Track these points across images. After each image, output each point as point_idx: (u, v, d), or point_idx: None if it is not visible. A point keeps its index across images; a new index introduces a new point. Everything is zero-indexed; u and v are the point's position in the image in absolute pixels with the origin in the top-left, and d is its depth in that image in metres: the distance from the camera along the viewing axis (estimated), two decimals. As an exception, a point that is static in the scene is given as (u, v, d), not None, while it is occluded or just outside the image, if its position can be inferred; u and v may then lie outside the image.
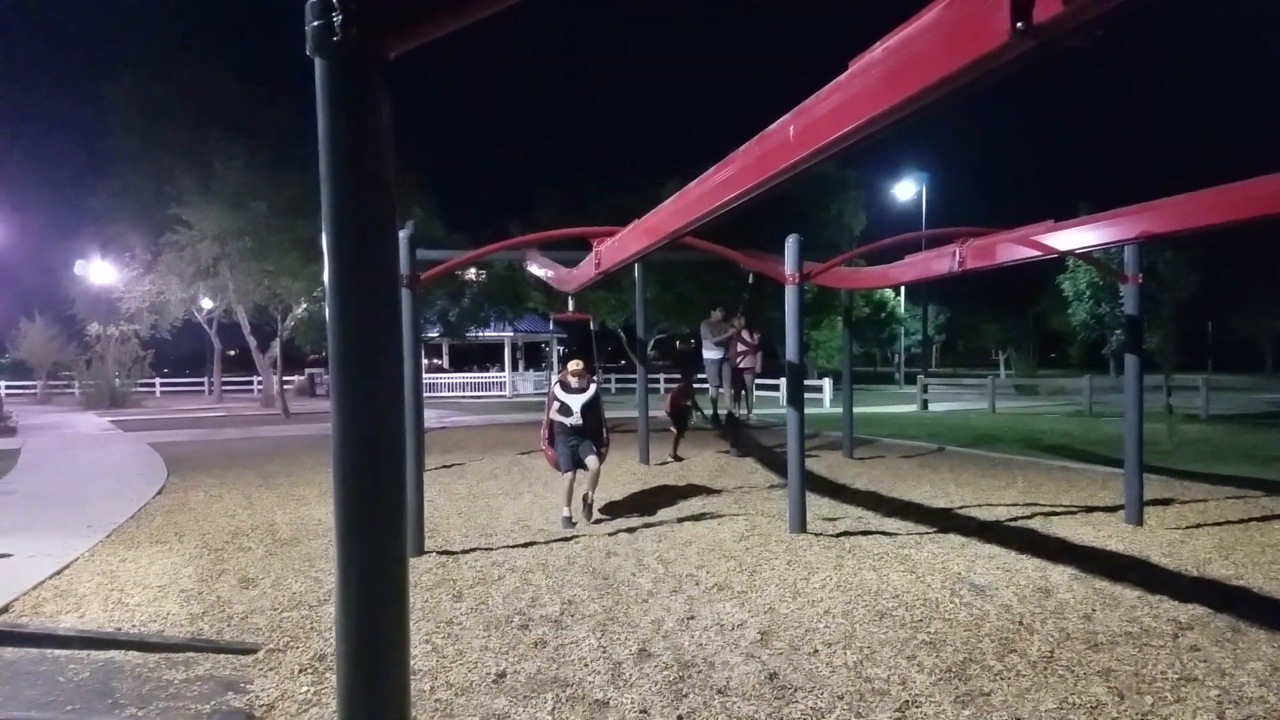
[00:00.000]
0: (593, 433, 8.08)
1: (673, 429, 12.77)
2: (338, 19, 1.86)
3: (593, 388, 8.08)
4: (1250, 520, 7.77)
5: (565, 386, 8.05)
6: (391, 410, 2.03)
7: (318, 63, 1.94)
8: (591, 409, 8.01)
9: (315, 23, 1.89)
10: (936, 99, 2.53)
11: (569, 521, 7.87)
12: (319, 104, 1.96)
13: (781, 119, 3.40)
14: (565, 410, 7.94)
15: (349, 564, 1.99)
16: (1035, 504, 8.67)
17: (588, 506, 8.07)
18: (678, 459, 12.31)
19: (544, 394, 8.29)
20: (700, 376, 14.37)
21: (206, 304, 29.05)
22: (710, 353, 13.28)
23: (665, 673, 4.18)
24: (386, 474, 2.02)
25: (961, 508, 8.50)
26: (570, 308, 9.19)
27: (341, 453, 1.99)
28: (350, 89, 1.96)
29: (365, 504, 1.99)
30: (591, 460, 7.93)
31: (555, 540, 7.17)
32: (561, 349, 41.00)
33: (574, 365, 8.10)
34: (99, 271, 28.31)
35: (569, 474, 7.89)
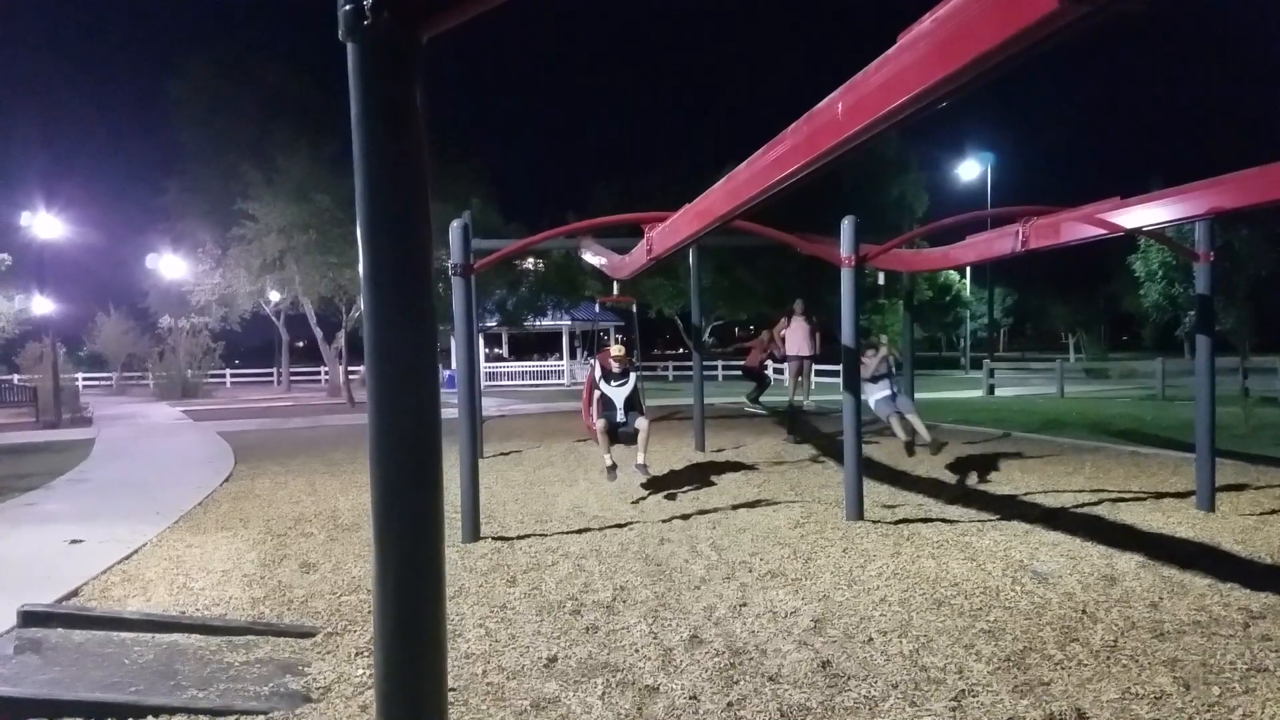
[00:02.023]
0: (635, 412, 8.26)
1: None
2: (368, 2, 1.85)
3: (632, 379, 8.14)
4: (1332, 507, 7.44)
5: (607, 374, 8.06)
6: (427, 399, 2.01)
7: (350, 48, 1.92)
8: (633, 401, 8.15)
9: (346, 7, 1.87)
10: (988, 69, 2.44)
11: (612, 471, 8.07)
12: (351, 90, 1.95)
13: (830, 95, 3.32)
14: (607, 402, 8.05)
15: (386, 552, 1.98)
16: (1103, 490, 8.43)
17: (642, 467, 8.19)
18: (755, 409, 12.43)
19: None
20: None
21: (274, 296, 29.68)
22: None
23: (716, 659, 4.15)
24: (422, 464, 2.01)
25: (1026, 494, 8.30)
26: (615, 291, 9.21)
27: (377, 443, 1.97)
28: (382, 74, 1.94)
29: (402, 493, 1.99)
30: (641, 422, 8.05)
31: (609, 526, 7.17)
32: (620, 336, 41.09)
33: (616, 350, 8.12)
34: (170, 266, 29.10)
35: (602, 421, 8.01)
